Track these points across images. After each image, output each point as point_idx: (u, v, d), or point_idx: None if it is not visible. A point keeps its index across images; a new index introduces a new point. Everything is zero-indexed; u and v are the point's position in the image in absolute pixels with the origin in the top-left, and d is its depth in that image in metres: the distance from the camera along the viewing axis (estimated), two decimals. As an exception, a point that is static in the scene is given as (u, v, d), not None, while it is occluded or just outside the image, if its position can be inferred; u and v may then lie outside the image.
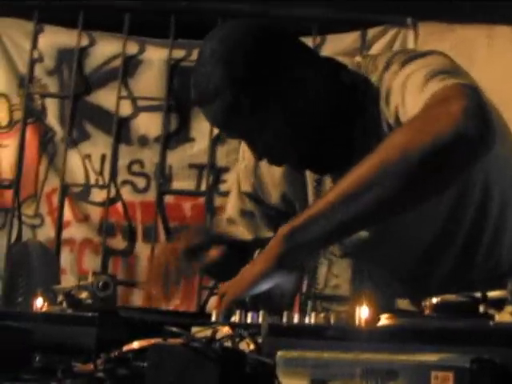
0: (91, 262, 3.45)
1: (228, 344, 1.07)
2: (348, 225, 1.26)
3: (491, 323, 0.91)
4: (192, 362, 0.92)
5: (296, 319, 1.14)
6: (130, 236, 3.48)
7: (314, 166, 1.53)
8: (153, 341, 1.02)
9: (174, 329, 0.98)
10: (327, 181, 1.54)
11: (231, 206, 1.72)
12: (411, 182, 1.22)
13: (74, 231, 3.49)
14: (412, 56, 1.41)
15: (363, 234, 1.49)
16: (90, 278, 1.41)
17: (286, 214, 1.66)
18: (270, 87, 1.40)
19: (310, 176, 1.59)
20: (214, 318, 1.29)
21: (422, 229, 1.51)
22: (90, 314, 1.24)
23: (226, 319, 1.25)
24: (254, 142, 1.47)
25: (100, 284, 1.39)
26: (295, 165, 1.54)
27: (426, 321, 0.99)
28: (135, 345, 1.09)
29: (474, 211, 1.51)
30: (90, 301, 1.38)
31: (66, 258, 3.46)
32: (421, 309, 1.04)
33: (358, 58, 1.51)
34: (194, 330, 1.14)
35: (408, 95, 1.34)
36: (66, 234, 3.49)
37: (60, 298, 1.41)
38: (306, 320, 1.12)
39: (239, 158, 1.72)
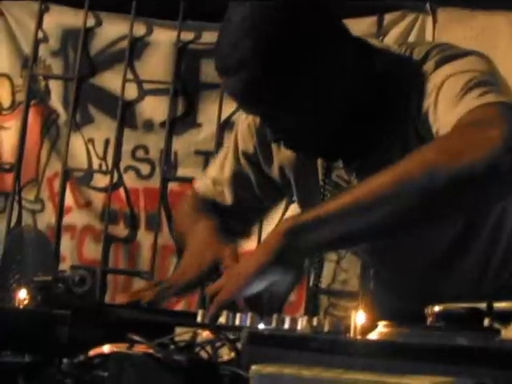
0: (92, 250, 3.39)
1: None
2: (357, 234, 1.18)
3: (496, 340, 0.82)
4: (154, 373, 0.84)
5: (287, 324, 1.06)
6: (133, 223, 3.41)
7: (330, 154, 1.43)
8: (114, 347, 0.93)
9: (137, 337, 0.87)
10: (339, 169, 1.45)
11: (227, 166, 1.60)
12: (430, 203, 1.14)
13: (75, 217, 3.42)
14: (450, 55, 1.32)
15: None
16: (68, 271, 1.32)
17: (279, 189, 1.57)
18: (300, 65, 1.28)
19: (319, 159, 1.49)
20: (199, 318, 1.20)
21: (436, 237, 1.45)
22: (61, 312, 1.15)
23: (211, 320, 1.17)
24: (272, 122, 1.36)
25: (76, 279, 1.30)
26: (311, 152, 1.44)
27: (422, 334, 0.89)
28: (101, 350, 1.00)
29: (492, 221, 1.46)
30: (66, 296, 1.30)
31: (66, 244, 3.40)
32: (423, 316, 0.98)
33: (394, 46, 1.41)
34: (178, 331, 1.06)
35: (442, 102, 1.25)
36: (66, 220, 3.42)
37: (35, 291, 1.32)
38: (299, 325, 1.03)
39: (241, 117, 1.60)
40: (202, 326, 1.11)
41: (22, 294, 1.29)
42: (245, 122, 1.57)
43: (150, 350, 0.89)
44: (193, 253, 1.43)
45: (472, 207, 1.21)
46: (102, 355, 0.97)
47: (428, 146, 1.20)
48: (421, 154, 1.17)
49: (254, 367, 0.83)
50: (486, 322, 0.89)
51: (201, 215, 1.51)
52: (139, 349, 0.93)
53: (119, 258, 3.39)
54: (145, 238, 3.38)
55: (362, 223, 1.15)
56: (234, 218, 1.61)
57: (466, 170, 1.11)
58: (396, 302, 1.56)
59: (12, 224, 3.40)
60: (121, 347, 0.96)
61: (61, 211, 3.40)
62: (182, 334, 1.06)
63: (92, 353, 1.00)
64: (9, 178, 3.45)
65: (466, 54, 1.32)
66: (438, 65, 1.30)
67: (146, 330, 1.02)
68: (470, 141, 1.14)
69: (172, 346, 1.00)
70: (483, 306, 0.91)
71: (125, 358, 0.87)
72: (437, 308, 0.97)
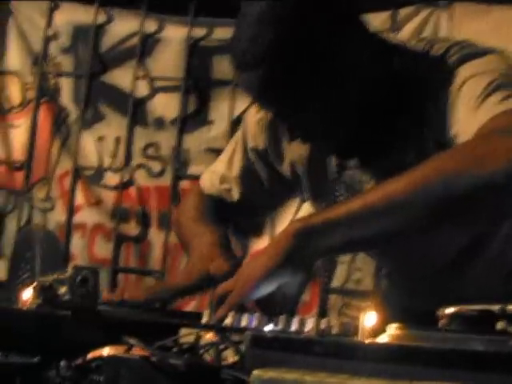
0: (103, 248, 3.37)
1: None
2: (369, 239, 1.16)
3: (509, 345, 0.78)
4: (150, 377, 0.81)
5: (294, 325, 1.04)
6: (144, 222, 3.37)
7: (346, 152, 1.41)
8: (113, 350, 0.90)
9: (134, 340, 0.84)
10: (352, 168, 1.42)
11: (236, 163, 1.58)
12: (443, 212, 1.14)
13: (86, 216, 3.40)
14: (470, 53, 1.30)
15: None
16: (70, 271, 1.29)
17: (289, 185, 1.55)
18: (318, 62, 1.26)
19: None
20: (204, 319, 1.17)
21: (447, 242, 1.43)
22: (61, 313, 1.12)
23: (218, 321, 1.15)
24: (286, 119, 1.34)
25: (78, 279, 1.27)
26: (327, 148, 1.42)
27: (433, 338, 0.85)
28: (99, 353, 0.97)
29: (504, 234, 1.44)
30: (68, 297, 1.27)
31: (76, 243, 3.38)
32: (436, 318, 0.95)
33: (412, 41, 1.39)
34: (183, 332, 1.04)
35: (462, 105, 1.24)
36: (77, 218, 3.40)
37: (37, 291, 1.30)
38: (307, 327, 1.01)
39: (249, 112, 1.57)
40: (207, 327, 1.08)
41: (27, 294, 1.26)
42: (254, 118, 1.54)
43: (148, 354, 0.86)
44: (191, 264, 1.44)
45: (487, 217, 1.18)
46: (100, 358, 0.95)
47: (448, 152, 1.18)
48: (440, 160, 1.15)
49: (255, 372, 0.80)
50: (500, 325, 0.86)
51: (206, 226, 1.49)
52: (137, 352, 0.90)
53: (130, 256, 3.36)
54: (156, 236, 3.35)
55: (375, 228, 1.14)
56: (242, 214, 1.59)
57: (486, 178, 1.10)
58: (408, 303, 1.53)
59: (22, 223, 3.38)
60: (119, 350, 0.93)
61: (71, 210, 3.38)
62: (185, 335, 1.03)
63: (90, 356, 0.98)
64: (19, 177, 3.43)
65: (485, 52, 1.30)
66: (458, 64, 1.28)
67: (150, 331, 1.00)
68: (491, 149, 1.12)
69: (175, 349, 0.98)
70: (495, 308, 0.88)
71: (121, 362, 0.84)
72: (449, 310, 0.94)
